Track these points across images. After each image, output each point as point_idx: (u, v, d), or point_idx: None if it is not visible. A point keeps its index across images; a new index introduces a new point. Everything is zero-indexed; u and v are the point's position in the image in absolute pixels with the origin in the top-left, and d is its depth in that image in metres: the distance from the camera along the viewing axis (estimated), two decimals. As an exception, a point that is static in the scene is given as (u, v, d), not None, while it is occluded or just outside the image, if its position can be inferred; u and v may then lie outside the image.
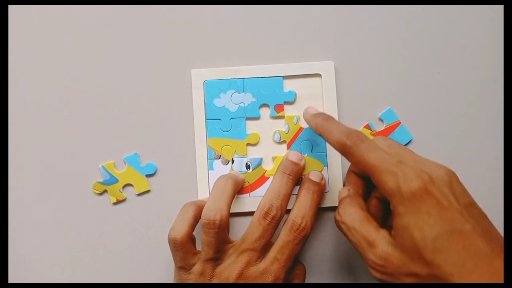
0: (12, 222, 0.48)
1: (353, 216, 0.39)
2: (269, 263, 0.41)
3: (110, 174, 0.48)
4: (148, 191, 0.48)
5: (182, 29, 0.49)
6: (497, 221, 0.45)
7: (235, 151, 0.48)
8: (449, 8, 0.50)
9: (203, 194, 0.47)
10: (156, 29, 0.49)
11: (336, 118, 0.48)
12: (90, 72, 0.49)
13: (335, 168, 0.48)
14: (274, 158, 0.48)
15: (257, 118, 0.48)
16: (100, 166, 0.48)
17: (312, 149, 0.48)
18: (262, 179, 0.48)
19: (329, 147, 0.48)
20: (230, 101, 0.48)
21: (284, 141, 0.48)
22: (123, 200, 0.48)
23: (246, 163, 0.48)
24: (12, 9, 0.49)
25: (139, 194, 0.48)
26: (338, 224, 0.40)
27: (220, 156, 0.48)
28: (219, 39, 0.49)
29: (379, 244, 0.36)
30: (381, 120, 0.49)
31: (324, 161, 0.48)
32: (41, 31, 0.49)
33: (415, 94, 0.49)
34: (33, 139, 0.49)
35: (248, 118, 0.48)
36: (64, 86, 0.49)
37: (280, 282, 0.41)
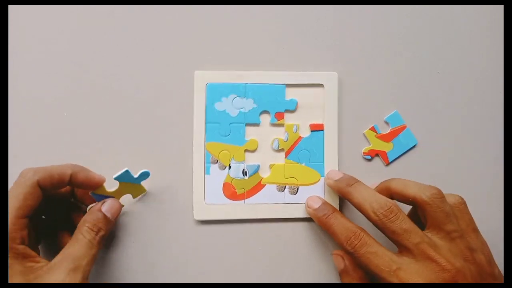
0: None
1: None
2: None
3: (104, 196, 0.45)
4: (145, 193, 0.48)
5: (187, 30, 0.48)
6: (499, 222, 0.47)
7: (233, 156, 0.48)
8: (449, 8, 0.50)
9: (199, 198, 0.47)
10: (161, 29, 0.48)
11: (336, 128, 0.48)
12: (91, 73, 0.48)
13: (332, 179, 0.48)
14: (271, 166, 0.48)
15: (257, 124, 0.48)
16: (90, 193, 0.44)
17: (309, 159, 0.48)
18: (258, 187, 0.48)
19: (327, 158, 0.48)
20: (231, 106, 0.48)
21: (283, 149, 0.48)
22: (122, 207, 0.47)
23: (243, 170, 0.48)
24: (12, 9, 0.49)
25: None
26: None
27: (217, 161, 0.48)
28: (224, 42, 0.49)
29: None
30: (386, 123, 0.49)
31: (321, 171, 0.48)
32: (41, 31, 0.48)
33: (420, 98, 0.49)
34: (33, 139, 0.48)
35: (248, 124, 0.48)
36: (65, 85, 0.48)
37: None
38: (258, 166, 0.48)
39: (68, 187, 0.44)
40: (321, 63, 0.49)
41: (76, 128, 0.48)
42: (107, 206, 0.43)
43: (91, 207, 0.44)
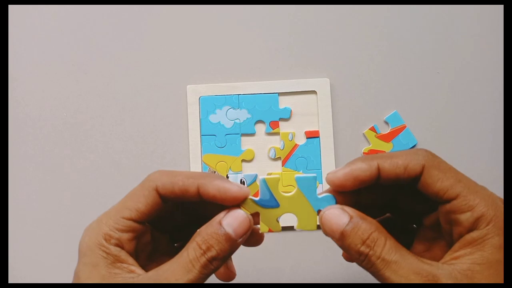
0: (12, 222, 0.49)
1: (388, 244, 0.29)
2: None
3: (271, 195, 0.33)
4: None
5: (179, 45, 0.49)
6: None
7: (230, 167, 0.48)
8: (449, 8, 0.50)
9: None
10: (152, 45, 0.49)
11: (331, 134, 0.48)
12: (82, 92, 0.49)
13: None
14: (269, 175, 0.48)
15: (252, 134, 0.49)
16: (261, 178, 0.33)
17: (307, 166, 0.48)
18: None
19: (324, 165, 0.48)
20: (226, 117, 0.48)
21: (279, 158, 0.48)
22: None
23: (241, 180, 0.48)
24: (12, 9, 0.50)
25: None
26: (367, 259, 0.29)
27: (214, 172, 0.48)
28: (215, 55, 0.49)
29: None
30: (386, 123, 0.49)
31: (319, 178, 0.48)
32: (41, 31, 0.50)
33: (420, 98, 0.49)
34: (33, 139, 0.49)
35: (243, 134, 0.48)
36: (61, 94, 0.49)
37: None
38: (256, 176, 0.48)
39: None
40: (315, 69, 0.49)
41: (75, 134, 0.49)
42: (229, 219, 0.30)
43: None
